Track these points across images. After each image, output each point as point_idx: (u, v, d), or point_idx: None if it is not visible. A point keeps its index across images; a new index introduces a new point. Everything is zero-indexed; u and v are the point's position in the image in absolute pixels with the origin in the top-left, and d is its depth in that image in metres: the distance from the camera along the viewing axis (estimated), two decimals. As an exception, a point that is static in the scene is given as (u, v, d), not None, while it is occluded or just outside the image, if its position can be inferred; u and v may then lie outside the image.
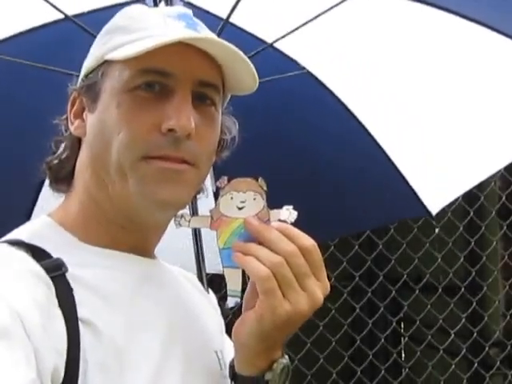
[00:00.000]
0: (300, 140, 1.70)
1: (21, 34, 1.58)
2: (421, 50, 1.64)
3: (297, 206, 0.86)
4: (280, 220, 0.84)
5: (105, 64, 0.91)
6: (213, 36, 0.92)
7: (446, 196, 1.82)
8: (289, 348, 0.89)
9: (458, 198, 3.37)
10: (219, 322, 1.08)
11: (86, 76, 0.94)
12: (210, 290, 1.16)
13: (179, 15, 0.92)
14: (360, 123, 1.74)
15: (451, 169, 1.78)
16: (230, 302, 0.86)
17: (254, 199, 0.85)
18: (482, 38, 1.54)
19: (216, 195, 0.84)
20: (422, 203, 1.81)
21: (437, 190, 1.82)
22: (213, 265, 1.57)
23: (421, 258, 3.51)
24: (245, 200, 0.85)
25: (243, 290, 0.87)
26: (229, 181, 0.85)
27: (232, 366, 0.91)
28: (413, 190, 1.79)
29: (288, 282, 0.81)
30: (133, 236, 0.93)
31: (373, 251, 3.53)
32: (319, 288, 0.83)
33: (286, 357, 0.89)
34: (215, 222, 0.85)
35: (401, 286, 3.57)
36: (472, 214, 3.56)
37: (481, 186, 3.52)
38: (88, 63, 0.95)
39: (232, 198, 0.85)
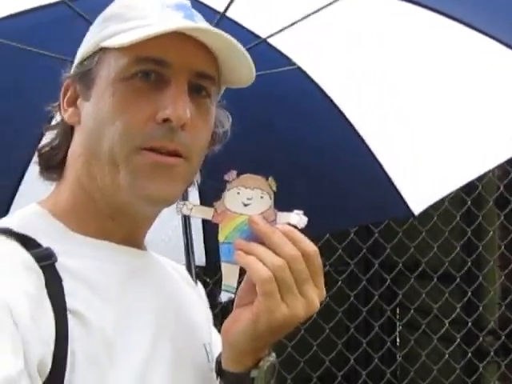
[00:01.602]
0: (289, 135, 1.70)
1: (14, 15, 1.55)
2: (411, 50, 1.64)
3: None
4: (290, 224, 0.84)
5: (100, 51, 0.89)
6: (212, 27, 0.90)
7: (430, 197, 1.82)
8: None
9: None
10: (207, 315, 1.08)
11: (81, 63, 0.92)
12: (198, 282, 1.15)
13: (177, 5, 0.91)
14: (348, 121, 1.73)
15: (436, 170, 1.77)
16: (224, 297, 0.85)
17: (261, 197, 0.84)
18: (468, 39, 1.54)
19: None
20: (405, 203, 1.81)
21: (420, 191, 1.82)
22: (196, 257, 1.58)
23: (417, 246, 3.51)
24: (251, 197, 0.84)
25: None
26: (238, 175, 0.84)
27: (219, 362, 0.90)
28: (397, 189, 1.79)
29: (288, 287, 0.81)
30: (122, 227, 0.92)
31: (369, 239, 3.53)
32: (316, 294, 0.84)
33: (273, 354, 0.89)
34: (218, 215, 0.85)
35: (397, 274, 3.57)
36: (470, 203, 3.55)
37: (479, 176, 3.50)
38: (83, 50, 0.93)
39: (239, 193, 0.84)
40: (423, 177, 1.80)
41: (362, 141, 1.76)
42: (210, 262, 1.89)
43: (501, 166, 3.57)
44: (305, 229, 0.83)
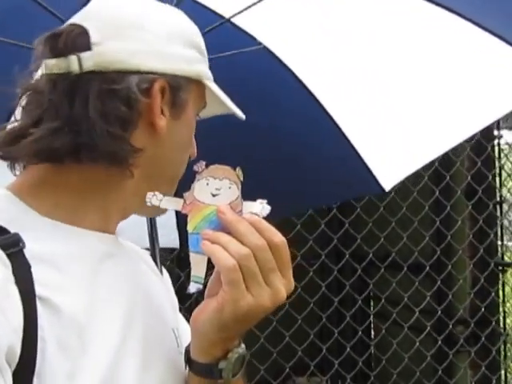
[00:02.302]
0: (258, 116, 1.70)
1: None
2: (378, 24, 1.64)
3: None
4: (252, 213, 0.84)
5: (194, 81, 0.94)
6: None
7: (399, 173, 1.83)
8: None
9: (425, 176, 3.42)
10: (172, 300, 1.08)
11: (174, 76, 0.91)
12: (163, 268, 1.15)
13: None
14: (316, 100, 1.74)
15: (405, 145, 1.78)
16: (192, 288, 0.84)
17: (230, 188, 0.85)
18: (440, 17, 1.55)
19: None
20: (375, 180, 1.82)
21: (390, 167, 1.83)
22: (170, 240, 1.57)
23: (387, 236, 3.54)
24: (220, 187, 0.85)
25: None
26: (207, 166, 0.86)
27: (188, 351, 0.91)
28: (367, 166, 1.80)
29: (253, 276, 0.81)
30: (101, 216, 0.91)
31: (340, 230, 3.56)
32: (283, 285, 0.84)
33: (243, 346, 0.89)
34: (188, 205, 0.86)
35: (368, 265, 3.59)
36: (438, 193, 3.59)
37: (447, 166, 3.56)
38: (175, 65, 0.91)
39: (208, 184, 0.85)
40: (392, 153, 1.81)
41: (331, 119, 1.76)
42: (184, 243, 1.88)
43: (469, 157, 3.62)
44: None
